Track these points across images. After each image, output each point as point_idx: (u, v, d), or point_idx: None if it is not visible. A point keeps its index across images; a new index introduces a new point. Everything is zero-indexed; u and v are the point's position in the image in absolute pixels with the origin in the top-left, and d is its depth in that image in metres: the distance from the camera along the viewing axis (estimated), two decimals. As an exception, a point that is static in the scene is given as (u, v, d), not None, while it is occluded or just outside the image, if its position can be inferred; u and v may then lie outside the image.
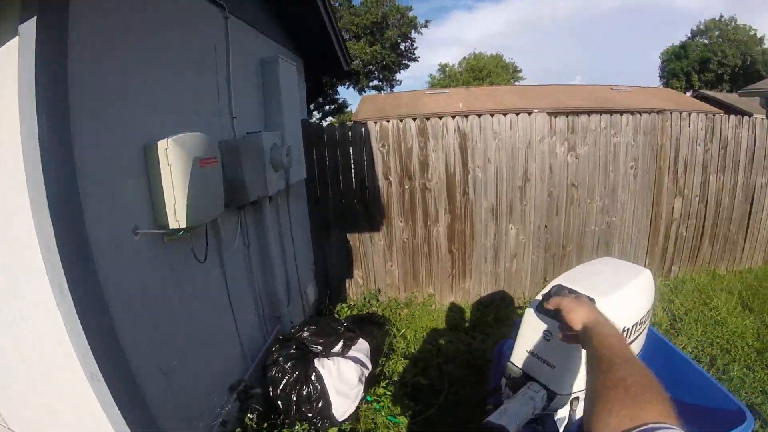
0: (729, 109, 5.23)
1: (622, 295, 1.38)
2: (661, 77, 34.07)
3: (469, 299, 4.52)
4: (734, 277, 5.18)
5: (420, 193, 4.18)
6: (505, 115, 4.13)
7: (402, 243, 4.32)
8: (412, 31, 22.18)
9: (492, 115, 4.14)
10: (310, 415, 2.55)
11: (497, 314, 4.34)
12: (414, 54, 23.26)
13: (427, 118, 4.18)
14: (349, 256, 4.39)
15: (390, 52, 21.34)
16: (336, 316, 4.16)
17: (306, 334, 2.79)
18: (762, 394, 3.13)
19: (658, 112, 4.62)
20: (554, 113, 4.44)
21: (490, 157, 4.11)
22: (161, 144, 1.72)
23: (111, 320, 1.48)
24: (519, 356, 1.42)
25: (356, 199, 4.25)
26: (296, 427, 2.46)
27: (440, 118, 4.09)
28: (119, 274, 1.58)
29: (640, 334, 1.46)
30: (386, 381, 3.14)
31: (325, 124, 4.53)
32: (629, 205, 4.52)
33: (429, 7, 70.20)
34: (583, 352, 1.23)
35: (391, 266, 4.39)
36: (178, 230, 1.80)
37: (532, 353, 1.40)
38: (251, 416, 2.31)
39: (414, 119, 4.07)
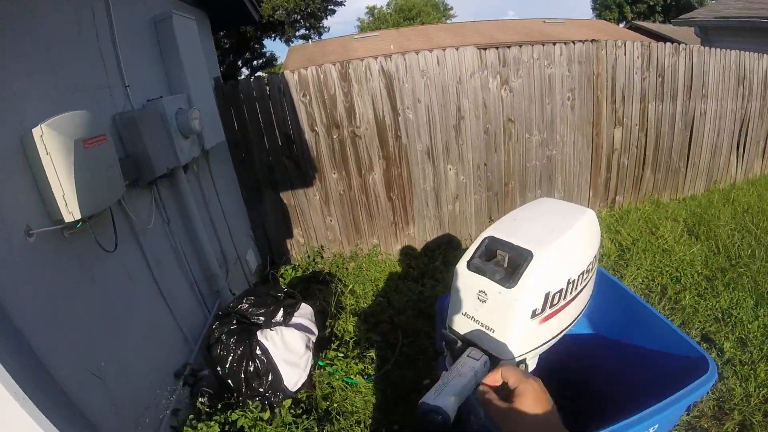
0: (663, 40, 5.32)
1: (563, 243, 1.23)
2: (593, 9, 34.79)
3: (415, 245, 4.58)
4: (678, 205, 5.37)
5: (350, 142, 4.11)
6: (431, 51, 4.01)
7: (338, 196, 4.27)
8: None
9: (417, 52, 4.00)
10: (261, 390, 2.53)
11: (445, 258, 4.39)
12: None
13: (350, 61, 4.02)
14: (286, 216, 4.30)
15: None
16: (281, 280, 4.07)
17: (245, 306, 2.73)
18: (715, 321, 3.28)
19: (593, 41, 4.59)
20: (487, 48, 4.34)
21: (420, 97, 4.05)
22: (35, 131, 1.57)
23: (21, 334, 1.42)
24: (454, 321, 1.27)
25: (284, 156, 4.14)
26: (250, 404, 2.42)
27: (362, 60, 3.93)
28: (18, 282, 1.48)
29: (588, 282, 1.33)
30: (337, 342, 3.14)
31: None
32: (569, 138, 4.56)
33: None
34: (522, 312, 1.14)
35: (331, 221, 4.32)
36: (76, 222, 1.68)
37: (467, 316, 1.25)
38: (202, 400, 2.29)
39: (334, 64, 3.90)
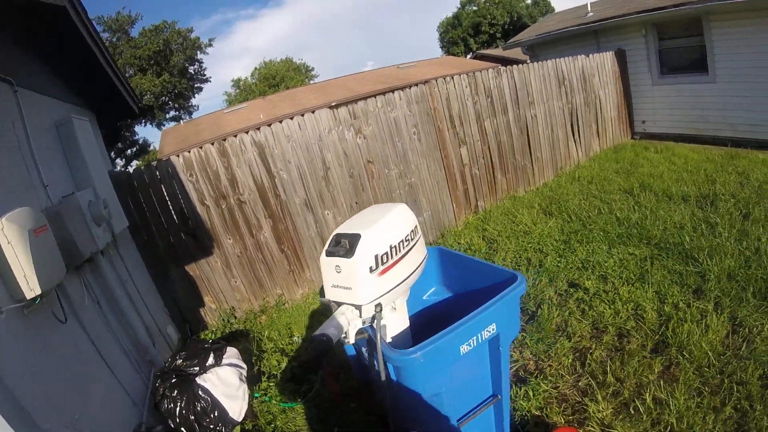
0: (505, 62, 6.82)
1: (381, 224, 2.11)
2: (442, 47, 40.78)
3: (314, 287, 5.53)
4: (533, 195, 6.89)
5: (238, 208, 5.07)
6: (292, 118, 5.06)
7: (237, 258, 5.15)
8: (198, 52, 23.39)
9: (281, 121, 5.06)
10: (212, 426, 3.25)
11: None
12: (205, 75, 24.77)
13: (225, 138, 4.93)
14: (194, 287, 5.08)
15: (179, 78, 22.30)
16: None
17: (180, 361, 3.50)
18: (578, 270, 4.56)
19: (425, 82, 5.90)
20: (340, 104, 5.47)
21: (290, 159, 5.12)
22: (-5, 225, 2.09)
23: (13, 395, 1.93)
24: (327, 291, 2.16)
25: (182, 232, 5.00)
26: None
27: (235, 136, 4.89)
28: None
29: (412, 247, 2.21)
30: (266, 375, 3.99)
31: (131, 169, 5.06)
32: (422, 165, 5.85)
33: (211, 23, 71.49)
34: (362, 270, 1.98)
35: (236, 282, 5.18)
36: (35, 299, 2.18)
37: (333, 285, 2.12)
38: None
39: (213, 143, 4.85)
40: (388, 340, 2.36)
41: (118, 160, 20.52)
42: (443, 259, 2.99)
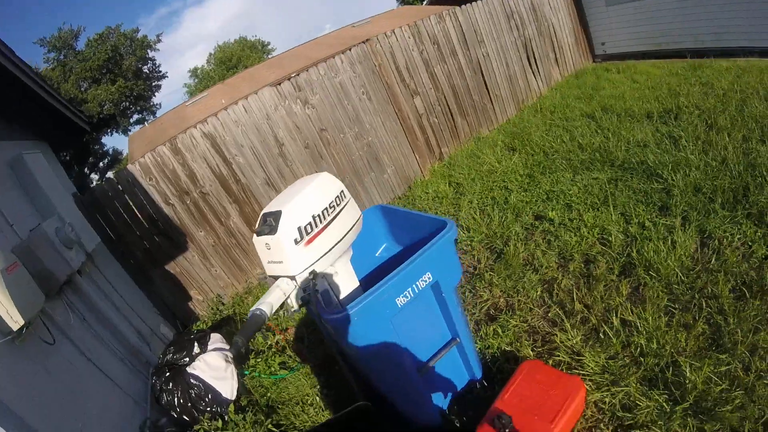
0: (465, 2, 6.83)
1: (301, 197, 2.22)
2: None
3: None
4: (496, 133, 6.94)
5: (202, 201, 5.23)
6: (236, 103, 5.16)
7: (212, 248, 5.35)
8: (148, 51, 23.29)
9: (226, 108, 5.14)
10: (209, 408, 3.52)
11: None
12: (160, 71, 24.64)
13: (176, 137, 5.05)
14: (177, 284, 5.27)
15: (135, 81, 22.23)
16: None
17: (170, 356, 3.74)
18: (543, 202, 4.63)
19: (366, 41, 5.93)
20: (284, 80, 5.52)
21: (242, 143, 5.24)
22: (-28, 268, 2.40)
23: (19, 418, 2.24)
24: (266, 268, 2.30)
25: (155, 234, 5.15)
26: (203, 420, 3.42)
27: (185, 132, 5.00)
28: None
29: (339, 212, 2.33)
30: (253, 353, 4.17)
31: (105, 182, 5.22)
32: (377, 122, 5.94)
33: (159, 17, 70.84)
34: (287, 243, 2.11)
35: (216, 271, 5.37)
36: (21, 329, 2.45)
37: (268, 262, 2.27)
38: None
39: (165, 143, 4.98)
40: (342, 297, 2.50)
41: (93, 175, 20.89)
42: (386, 216, 3.09)
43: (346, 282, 2.56)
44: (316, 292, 2.19)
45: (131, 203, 5.08)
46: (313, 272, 2.23)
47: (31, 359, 2.64)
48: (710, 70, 6.40)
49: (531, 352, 2.97)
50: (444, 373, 2.62)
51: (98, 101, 19.51)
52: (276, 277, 2.28)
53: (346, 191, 2.48)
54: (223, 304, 5.50)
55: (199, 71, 34.94)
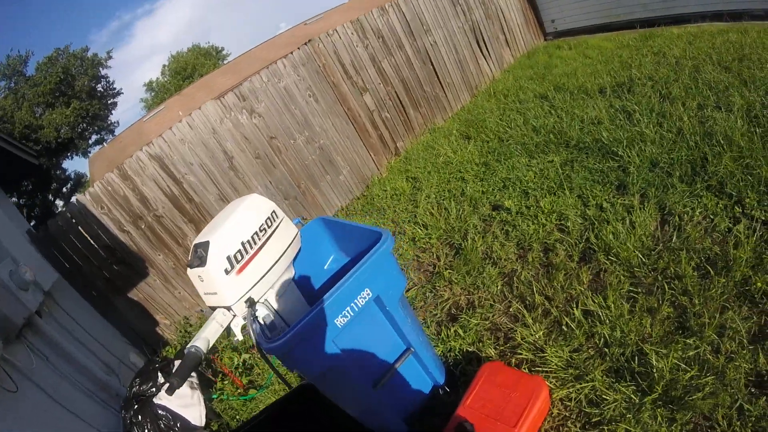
0: None
1: (228, 225, 2.19)
2: None
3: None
4: (451, 122, 6.93)
5: (157, 224, 5.19)
6: (180, 121, 5.11)
7: (173, 270, 5.34)
8: (100, 69, 23.10)
9: (171, 128, 5.08)
10: None
11: None
12: (115, 88, 24.49)
13: (123, 162, 4.97)
14: (143, 310, 5.24)
15: (89, 101, 22.06)
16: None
17: (137, 388, 3.74)
18: (500, 190, 4.62)
19: (307, 42, 5.86)
20: (226, 91, 5.45)
21: (191, 161, 5.20)
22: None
23: None
24: (204, 300, 2.30)
25: (113, 263, 5.09)
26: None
27: (131, 156, 4.96)
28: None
29: (272, 234, 2.32)
30: (219, 376, 4.19)
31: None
32: (327, 124, 5.95)
33: (110, 32, 69.87)
34: (217, 274, 2.09)
35: (179, 293, 5.36)
36: None
37: (205, 293, 2.27)
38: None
39: (112, 170, 4.96)
40: (289, 318, 2.45)
41: (57, 201, 20.60)
42: (330, 228, 3.05)
43: (291, 302, 2.53)
44: (254, 320, 2.17)
45: (86, 234, 5.02)
46: (249, 300, 2.21)
47: (4, 406, 2.71)
48: (662, 39, 6.42)
49: (493, 352, 2.94)
50: (403, 384, 2.58)
51: (54, 126, 19.22)
52: (214, 308, 2.26)
53: (278, 210, 2.46)
54: (191, 325, 5.46)
55: (154, 84, 34.68)
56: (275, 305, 2.46)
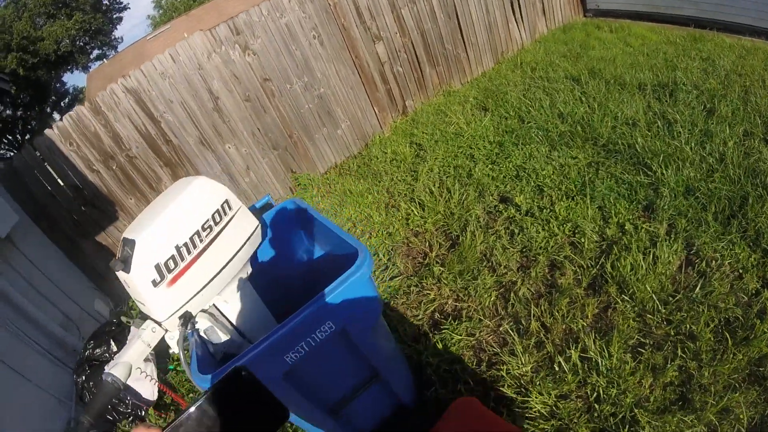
0: None
1: (160, 223, 1.67)
2: None
3: None
4: (469, 87, 6.15)
5: (130, 165, 4.72)
6: (162, 52, 4.48)
7: None
8: None
9: (151, 60, 4.48)
10: (130, 410, 3.21)
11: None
12: (121, 2, 23.18)
13: (97, 95, 4.39)
14: (112, 256, 4.67)
15: (93, 14, 20.73)
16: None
17: (89, 351, 3.46)
18: (512, 180, 4.00)
19: (319, -25, 5.05)
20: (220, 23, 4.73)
21: (171, 98, 4.69)
22: None
23: None
24: (138, 305, 1.80)
25: (81, 205, 4.71)
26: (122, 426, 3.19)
27: (105, 89, 4.33)
28: None
29: (221, 231, 1.79)
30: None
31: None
32: (330, 71, 5.27)
33: None
34: (144, 286, 1.60)
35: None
36: None
37: (135, 299, 1.76)
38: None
39: (83, 102, 4.36)
40: (243, 326, 2.03)
41: (55, 114, 20.02)
42: (303, 218, 2.46)
43: (246, 308, 2.04)
44: (186, 340, 1.73)
45: (53, 172, 4.57)
46: (184, 316, 1.72)
47: None
48: (712, 45, 5.49)
49: (472, 381, 2.50)
50: (363, 407, 2.18)
51: (54, 38, 18.35)
52: (145, 317, 1.76)
53: (233, 199, 1.89)
54: None
55: (163, 1, 32.60)
56: (225, 310, 1.98)
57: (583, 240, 3.08)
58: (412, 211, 4.09)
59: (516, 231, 3.41)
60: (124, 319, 1.90)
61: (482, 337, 2.74)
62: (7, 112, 17.73)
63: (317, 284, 1.72)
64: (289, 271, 2.58)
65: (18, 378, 3.08)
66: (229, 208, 1.85)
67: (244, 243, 1.92)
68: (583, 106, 4.67)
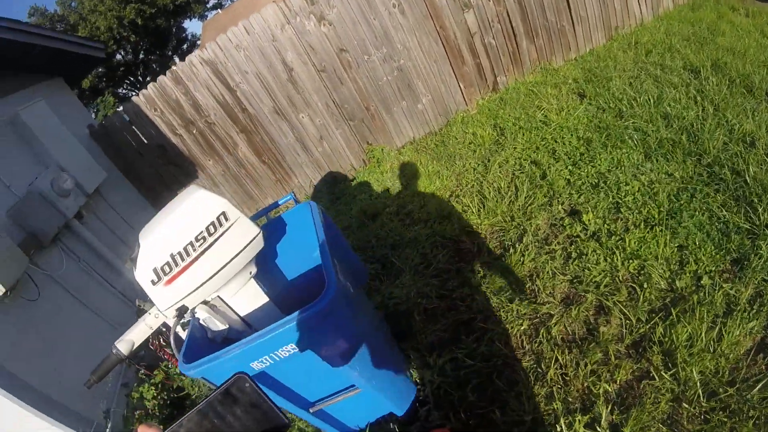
0: None
1: (161, 230, 1.80)
2: None
3: (306, 192, 5.40)
4: (572, 66, 5.40)
5: (209, 130, 4.91)
6: (237, 25, 4.51)
7: (222, 177, 5.21)
8: None
9: (226, 33, 4.61)
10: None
11: (332, 192, 5.18)
12: None
13: (175, 65, 4.51)
14: None
15: None
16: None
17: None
18: (590, 189, 3.35)
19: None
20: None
21: (246, 69, 4.72)
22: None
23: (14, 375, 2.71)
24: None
25: (165, 163, 5.03)
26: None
27: (183, 60, 4.41)
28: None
29: (213, 243, 1.86)
30: None
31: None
32: (411, 42, 4.93)
33: None
34: (145, 283, 1.77)
35: (227, 198, 4.96)
36: (5, 294, 2.79)
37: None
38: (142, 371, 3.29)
39: (165, 73, 4.65)
40: (247, 316, 2.13)
41: (175, 58, 21.12)
42: (316, 219, 2.37)
43: (248, 301, 2.12)
44: (179, 329, 1.92)
45: (140, 134, 4.93)
46: (180, 309, 1.86)
47: (16, 315, 2.92)
48: None
49: (462, 414, 2.26)
50: (349, 411, 2.20)
51: None
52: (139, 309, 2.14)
53: (231, 211, 1.92)
54: None
55: None
56: (229, 302, 2.08)
57: (646, 286, 2.48)
58: (472, 206, 3.73)
59: (573, 255, 2.91)
60: (138, 302, 2.12)
61: (495, 367, 2.43)
62: (129, 56, 19.42)
63: (318, 288, 1.78)
64: (297, 269, 2.56)
65: (91, 315, 3.52)
66: (225, 219, 1.90)
67: (242, 249, 1.95)
68: (696, 109, 3.67)
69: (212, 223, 1.85)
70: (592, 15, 5.39)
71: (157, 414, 3.14)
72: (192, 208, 1.85)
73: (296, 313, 1.70)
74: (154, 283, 1.77)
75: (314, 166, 5.27)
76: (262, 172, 5.18)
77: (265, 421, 0.74)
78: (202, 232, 1.83)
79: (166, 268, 1.78)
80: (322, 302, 1.70)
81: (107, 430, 3.07)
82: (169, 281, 1.79)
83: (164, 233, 1.81)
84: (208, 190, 1.91)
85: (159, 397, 3.19)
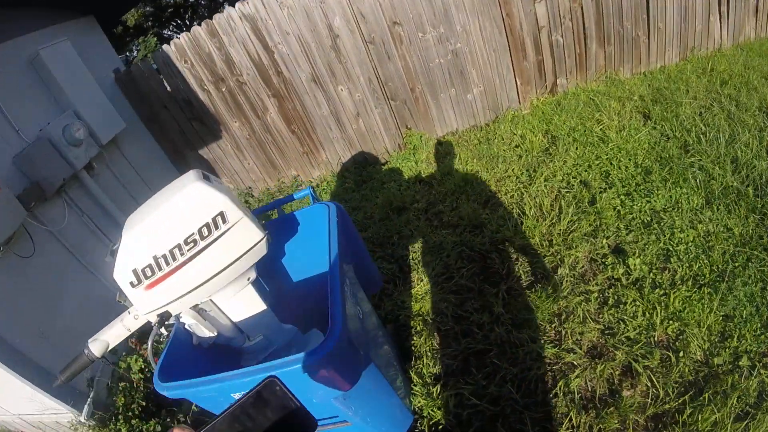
0: None
1: (146, 227, 1.50)
2: None
3: (333, 169, 5.01)
4: (639, 81, 4.81)
5: (239, 90, 4.57)
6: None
7: (246, 140, 4.83)
8: None
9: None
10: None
11: (360, 175, 4.78)
12: None
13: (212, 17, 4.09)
14: (210, 170, 4.84)
15: None
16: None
17: None
18: (641, 227, 2.93)
19: None
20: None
21: (287, 29, 4.29)
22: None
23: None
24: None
25: (188, 118, 4.71)
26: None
27: (222, 11, 3.96)
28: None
29: (208, 245, 1.56)
30: None
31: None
32: (472, 26, 4.44)
33: None
34: (124, 284, 1.53)
35: (248, 164, 5.00)
36: None
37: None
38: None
39: (200, 23, 4.24)
40: (243, 323, 1.89)
41: (225, 4, 20.54)
42: (332, 226, 2.06)
43: (243, 307, 1.84)
44: (157, 340, 1.64)
45: (167, 85, 4.58)
46: (162, 315, 1.61)
47: (8, 270, 2.68)
48: None
49: None
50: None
51: None
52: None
53: (231, 212, 1.56)
54: (252, 196, 5.08)
55: None
56: (222, 307, 1.81)
57: (681, 354, 2.14)
58: (506, 222, 3.30)
59: (611, 302, 2.50)
60: (119, 298, 1.79)
61: (503, 412, 2.12)
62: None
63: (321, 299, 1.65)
64: (302, 274, 2.33)
65: (87, 274, 3.25)
66: (223, 221, 1.55)
67: (240, 257, 1.63)
68: (768, 160, 3.39)
69: (206, 225, 1.52)
70: (671, 30, 4.78)
71: (141, 389, 2.92)
72: (185, 204, 1.51)
73: (287, 358, 1.42)
74: (133, 285, 1.50)
75: (345, 143, 4.85)
76: (289, 141, 4.79)
77: (294, 422, 0.75)
78: (193, 234, 1.51)
79: (147, 271, 1.49)
80: (319, 353, 1.41)
81: (89, 398, 2.85)
82: (150, 286, 1.51)
83: (149, 230, 1.50)
84: (208, 183, 1.54)
85: (147, 371, 2.99)
